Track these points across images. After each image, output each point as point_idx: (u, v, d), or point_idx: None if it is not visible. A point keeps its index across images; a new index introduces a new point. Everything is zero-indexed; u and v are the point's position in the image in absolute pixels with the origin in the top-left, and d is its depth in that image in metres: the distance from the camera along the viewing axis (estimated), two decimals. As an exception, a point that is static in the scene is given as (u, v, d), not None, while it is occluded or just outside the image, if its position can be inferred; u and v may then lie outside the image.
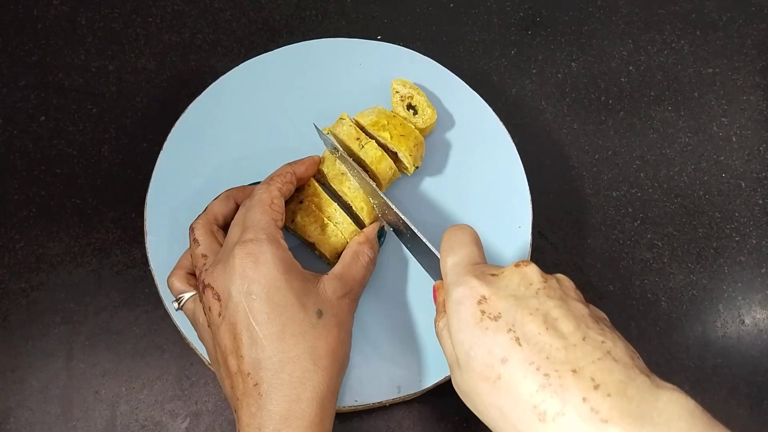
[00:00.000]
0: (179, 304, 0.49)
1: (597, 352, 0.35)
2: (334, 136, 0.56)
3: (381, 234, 0.54)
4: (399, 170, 0.56)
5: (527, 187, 0.58)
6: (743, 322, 0.60)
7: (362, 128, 0.56)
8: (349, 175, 0.54)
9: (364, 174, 0.53)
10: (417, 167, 0.57)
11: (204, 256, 0.47)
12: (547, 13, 0.72)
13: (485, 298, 0.39)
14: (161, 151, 0.58)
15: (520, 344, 0.36)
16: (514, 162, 0.59)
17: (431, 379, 0.51)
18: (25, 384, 0.54)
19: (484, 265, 0.43)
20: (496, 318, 0.38)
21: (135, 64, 0.67)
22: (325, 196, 0.53)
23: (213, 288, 0.44)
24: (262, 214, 0.46)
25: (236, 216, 0.48)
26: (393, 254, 0.55)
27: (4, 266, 0.58)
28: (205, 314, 0.45)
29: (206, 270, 0.45)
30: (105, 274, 0.58)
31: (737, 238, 0.63)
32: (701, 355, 0.58)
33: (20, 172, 0.61)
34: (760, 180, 0.65)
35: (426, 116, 0.58)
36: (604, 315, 0.42)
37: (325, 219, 0.52)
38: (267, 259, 0.43)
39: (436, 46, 0.69)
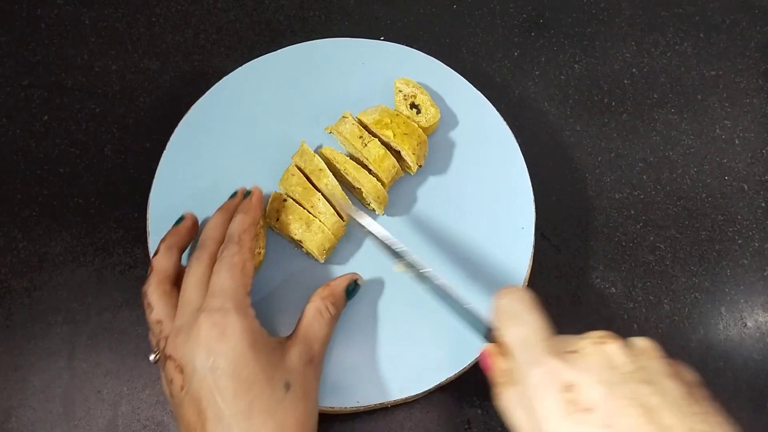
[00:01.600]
0: (156, 356, 0.47)
1: None
2: (338, 134, 0.56)
3: (353, 289, 0.52)
4: (402, 169, 0.56)
5: (530, 188, 0.58)
6: (745, 324, 0.60)
7: (365, 127, 0.56)
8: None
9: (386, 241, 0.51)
10: (420, 166, 0.57)
11: (159, 322, 0.45)
12: (551, 14, 0.72)
13: (572, 386, 0.36)
14: (164, 151, 0.58)
15: None
16: (518, 163, 0.59)
17: (433, 381, 0.51)
18: (27, 383, 0.54)
19: (558, 338, 0.40)
20: (588, 410, 0.35)
21: (138, 64, 0.67)
22: (308, 185, 0.53)
23: (175, 360, 0.42)
24: (231, 279, 0.44)
25: (192, 273, 0.46)
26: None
27: (6, 265, 0.58)
28: (167, 386, 0.43)
29: (165, 339, 0.44)
30: (107, 274, 0.58)
31: (740, 241, 0.63)
32: (703, 358, 0.58)
33: (23, 171, 0.61)
34: (763, 183, 0.65)
35: (429, 115, 0.58)
36: (693, 377, 0.39)
37: (309, 210, 0.52)
38: (234, 332, 0.41)
39: (439, 48, 0.69)
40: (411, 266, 0.49)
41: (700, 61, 0.70)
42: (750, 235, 0.63)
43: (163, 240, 0.50)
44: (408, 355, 0.52)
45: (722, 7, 0.73)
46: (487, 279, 0.55)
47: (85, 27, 0.69)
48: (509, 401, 0.40)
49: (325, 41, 0.64)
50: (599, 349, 0.38)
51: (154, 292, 0.47)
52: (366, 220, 0.51)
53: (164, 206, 0.56)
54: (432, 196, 0.58)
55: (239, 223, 0.49)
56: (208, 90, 0.60)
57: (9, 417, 0.53)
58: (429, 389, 0.51)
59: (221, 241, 0.49)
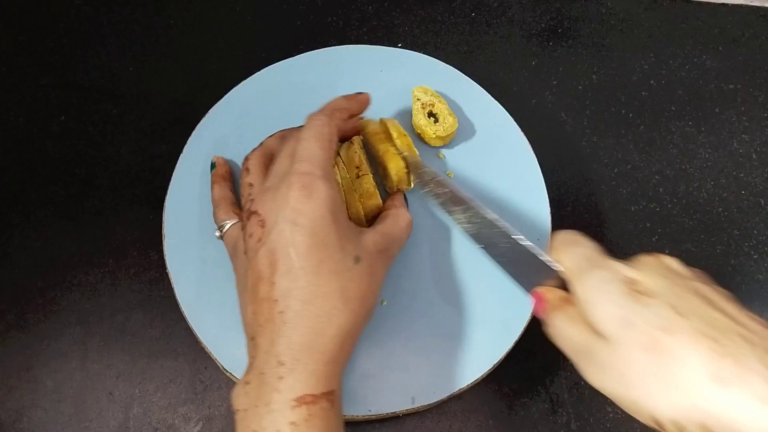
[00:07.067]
0: (221, 231, 0.51)
1: (765, 332, 0.36)
2: (340, 156, 0.55)
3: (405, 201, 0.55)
4: (388, 187, 0.56)
5: (547, 200, 0.57)
6: (760, 340, 0.59)
7: (365, 133, 0.55)
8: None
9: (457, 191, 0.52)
10: (401, 189, 0.56)
11: (251, 185, 0.48)
12: (569, 24, 0.72)
13: (634, 281, 0.39)
14: (181, 155, 0.58)
15: (684, 317, 0.36)
16: (535, 173, 0.58)
17: (446, 391, 0.51)
18: (39, 383, 0.54)
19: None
20: (652, 295, 0.38)
21: (156, 65, 0.67)
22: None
23: (259, 214, 0.44)
24: (321, 149, 0.45)
25: (287, 147, 0.48)
26: (410, 261, 0.55)
27: (21, 265, 0.58)
28: (245, 241, 0.45)
29: (252, 199, 0.46)
30: (121, 276, 0.58)
31: (755, 256, 0.62)
32: (717, 374, 0.58)
33: (39, 171, 0.62)
34: (780, 198, 0.65)
35: (447, 124, 0.57)
36: None
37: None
38: (320, 196, 0.43)
39: (456, 55, 0.69)
40: (469, 212, 0.51)
41: (718, 74, 0.70)
42: (766, 250, 0.62)
43: (281, 130, 0.54)
44: (421, 365, 0.52)
45: (742, 20, 0.73)
46: (503, 289, 0.54)
47: (103, 28, 0.69)
48: (562, 321, 0.43)
49: (343, 48, 0.64)
50: (658, 260, 0.41)
51: (256, 160, 0.50)
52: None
53: (180, 209, 0.56)
54: (448, 205, 0.57)
55: (335, 101, 0.51)
56: (226, 94, 0.60)
57: (20, 417, 0.53)
58: (442, 400, 0.51)
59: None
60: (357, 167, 0.53)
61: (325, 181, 0.44)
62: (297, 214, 0.42)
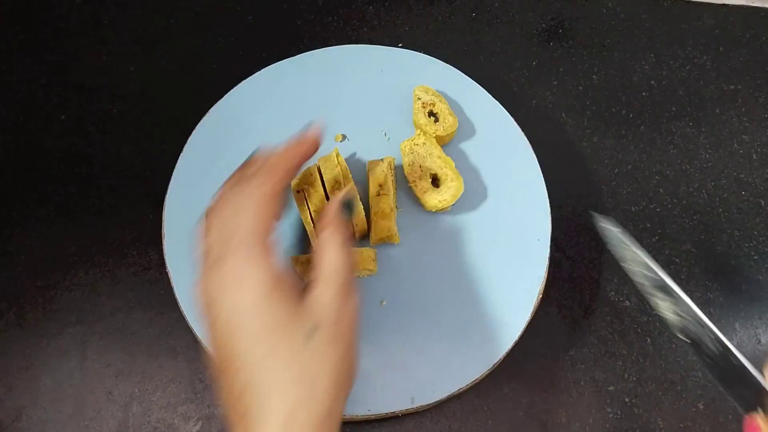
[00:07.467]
0: None
1: None
2: (369, 171, 0.55)
3: (349, 206, 0.48)
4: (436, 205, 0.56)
5: (547, 200, 0.57)
6: (759, 341, 0.59)
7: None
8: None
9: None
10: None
11: (205, 254, 0.43)
12: (570, 25, 0.72)
13: None
14: (181, 154, 0.58)
15: None
16: (535, 173, 0.58)
17: (445, 391, 0.51)
18: (39, 382, 0.54)
19: None
20: None
21: (156, 65, 0.67)
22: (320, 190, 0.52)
23: (204, 296, 0.41)
24: (255, 216, 0.41)
25: (224, 211, 0.42)
26: (410, 261, 0.55)
27: (21, 264, 0.58)
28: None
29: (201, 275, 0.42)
30: (121, 275, 0.58)
31: (755, 257, 0.62)
32: (717, 374, 0.58)
33: (39, 170, 0.62)
34: (781, 199, 0.65)
35: (447, 124, 0.57)
36: None
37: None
38: (253, 275, 0.39)
39: (456, 55, 0.69)
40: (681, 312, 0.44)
41: (719, 74, 0.70)
42: (766, 251, 0.62)
43: (237, 172, 0.47)
44: (420, 365, 0.52)
45: (742, 21, 0.73)
46: (503, 290, 0.54)
47: (103, 27, 0.69)
48: None
49: (344, 47, 0.64)
50: None
51: (213, 220, 0.44)
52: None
53: (180, 209, 0.56)
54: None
55: (278, 157, 0.45)
56: (226, 94, 0.61)
57: (20, 416, 0.53)
58: (441, 399, 0.51)
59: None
60: (380, 185, 0.53)
61: (261, 255, 0.40)
62: (236, 300, 0.39)
